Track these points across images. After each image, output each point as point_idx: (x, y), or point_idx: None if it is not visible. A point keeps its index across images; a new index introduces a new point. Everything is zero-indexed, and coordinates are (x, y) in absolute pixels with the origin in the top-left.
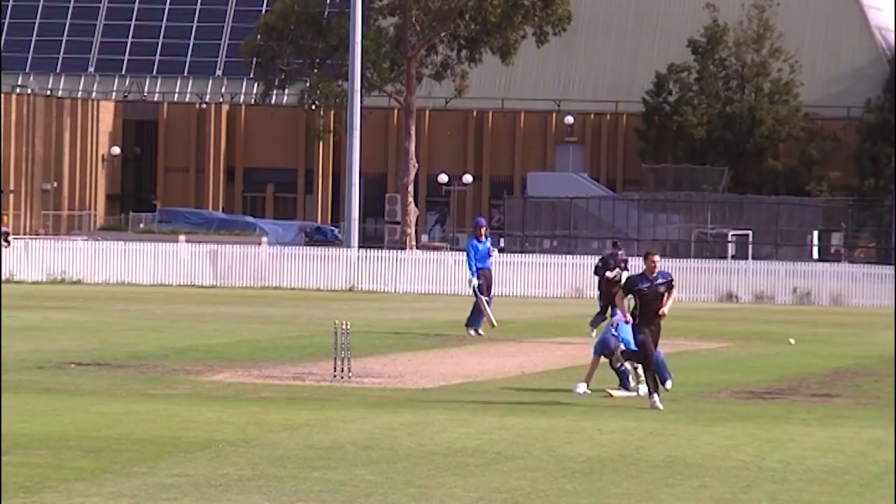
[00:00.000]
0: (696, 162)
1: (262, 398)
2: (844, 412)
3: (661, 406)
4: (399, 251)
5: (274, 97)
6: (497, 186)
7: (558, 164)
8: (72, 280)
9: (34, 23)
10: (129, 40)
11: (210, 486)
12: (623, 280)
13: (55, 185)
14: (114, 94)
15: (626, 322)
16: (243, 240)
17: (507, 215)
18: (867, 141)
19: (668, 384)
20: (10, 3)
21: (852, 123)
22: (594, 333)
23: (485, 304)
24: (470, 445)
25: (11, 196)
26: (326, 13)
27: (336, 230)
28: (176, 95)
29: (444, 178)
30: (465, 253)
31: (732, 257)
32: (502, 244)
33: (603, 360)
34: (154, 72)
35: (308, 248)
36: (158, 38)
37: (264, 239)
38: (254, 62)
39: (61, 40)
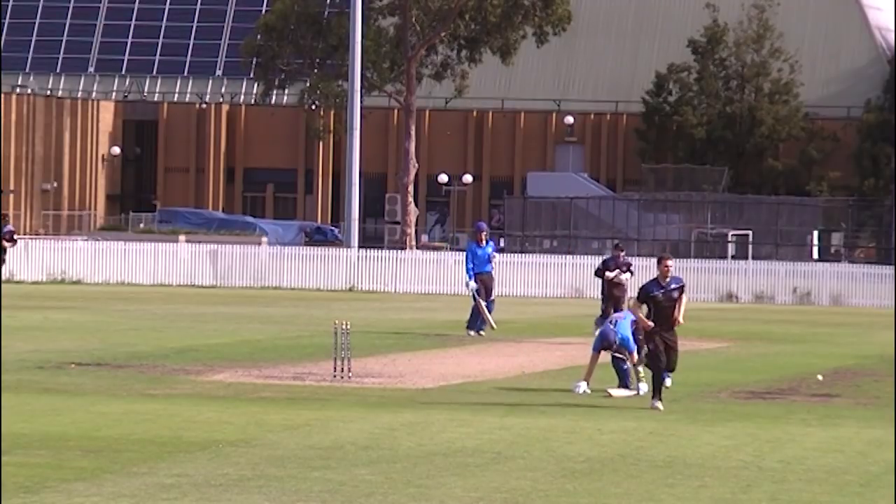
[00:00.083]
0: (696, 162)
1: (262, 398)
2: (844, 412)
3: (661, 407)
4: (399, 251)
5: (274, 97)
6: (497, 186)
7: (558, 164)
8: (72, 280)
9: (34, 23)
10: (129, 40)
11: (210, 486)
12: (624, 282)
13: (55, 185)
14: (114, 94)
15: (649, 328)
16: (243, 240)
17: (507, 215)
18: (867, 141)
19: (668, 382)
20: (10, 3)
21: (852, 123)
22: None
23: (483, 307)
24: (470, 445)
25: (11, 196)
26: (326, 13)
27: (336, 230)
28: (176, 95)
29: (444, 178)
30: (465, 253)
31: (732, 257)
32: (502, 244)
33: (602, 360)
34: (154, 72)
35: (308, 248)
36: (158, 38)
37: (264, 239)
38: (254, 62)
39: (61, 40)
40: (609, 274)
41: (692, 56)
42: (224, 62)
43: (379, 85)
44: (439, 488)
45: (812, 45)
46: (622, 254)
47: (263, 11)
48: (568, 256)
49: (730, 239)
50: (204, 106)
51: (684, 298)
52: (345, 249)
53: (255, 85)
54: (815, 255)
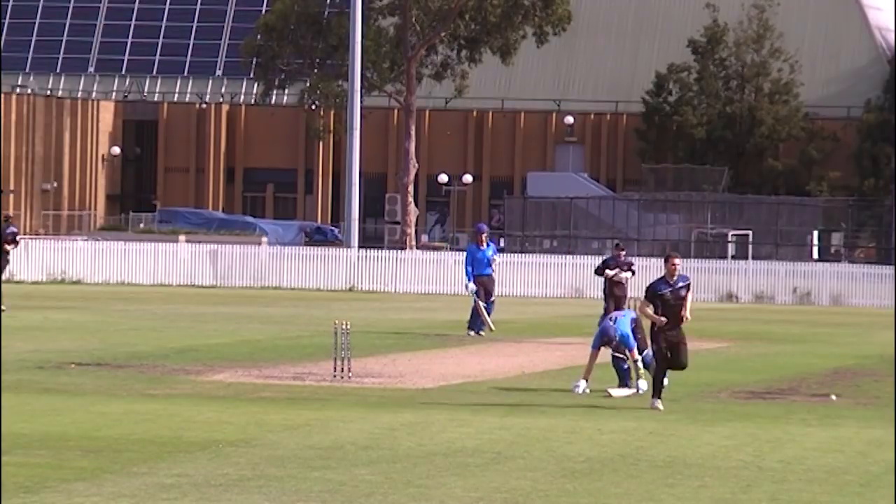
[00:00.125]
0: (696, 162)
1: (262, 398)
2: (844, 412)
3: (661, 407)
4: (399, 251)
5: (274, 97)
6: (497, 186)
7: (558, 164)
8: (72, 280)
9: (34, 23)
10: (129, 40)
11: (210, 486)
12: (625, 280)
13: (55, 185)
14: (114, 94)
15: (662, 323)
16: (243, 240)
17: (507, 215)
18: (867, 141)
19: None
20: (10, 3)
21: (852, 123)
22: None
23: (482, 308)
24: (470, 445)
25: (11, 196)
26: (326, 13)
27: (336, 230)
28: (176, 95)
29: (444, 178)
30: (465, 253)
31: (732, 257)
32: (502, 244)
33: (603, 359)
34: (154, 72)
35: (308, 248)
36: (158, 38)
37: (264, 239)
38: (254, 62)
39: (61, 40)
40: (609, 272)
41: (692, 56)
42: (224, 62)
43: (379, 85)
44: (439, 488)
45: (812, 45)
46: (623, 253)
47: (263, 11)
48: (568, 256)
49: (730, 239)
50: (204, 106)
51: (690, 296)
52: (345, 249)
53: (255, 85)
54: (815, 255)
